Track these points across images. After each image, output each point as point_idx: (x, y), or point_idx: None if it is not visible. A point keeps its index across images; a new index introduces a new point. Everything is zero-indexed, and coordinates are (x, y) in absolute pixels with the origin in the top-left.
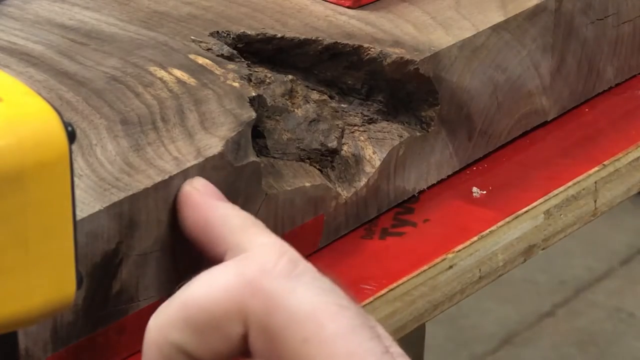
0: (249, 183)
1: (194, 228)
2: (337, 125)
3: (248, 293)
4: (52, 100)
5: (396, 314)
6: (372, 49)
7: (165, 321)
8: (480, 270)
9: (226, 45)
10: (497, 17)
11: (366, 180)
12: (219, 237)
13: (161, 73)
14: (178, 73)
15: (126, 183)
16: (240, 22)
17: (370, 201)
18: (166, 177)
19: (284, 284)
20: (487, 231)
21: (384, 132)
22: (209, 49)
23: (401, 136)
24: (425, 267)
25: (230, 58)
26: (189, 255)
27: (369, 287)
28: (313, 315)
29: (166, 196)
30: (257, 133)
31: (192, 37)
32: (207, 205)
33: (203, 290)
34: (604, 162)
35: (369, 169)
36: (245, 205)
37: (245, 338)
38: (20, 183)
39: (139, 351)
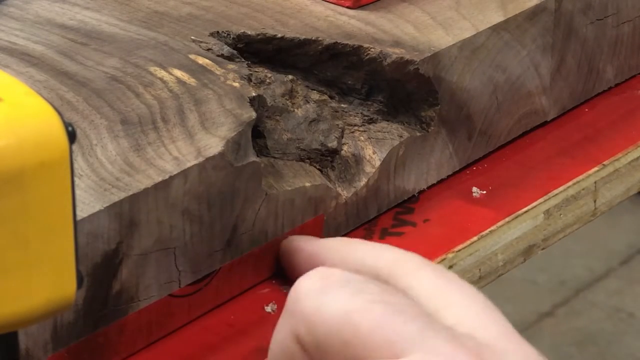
0: (249, 183)
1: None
2: (337, 125)
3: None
4: (53, 101)
5: None
6: (372, 49)
7: None
8: (480, 270)
9: (226, 45)
10: (497, 17)
11: (366, 180)
12: None
13: (161, 73)
14: (178, 73)
15: (126, 183)
16: (241, 22)
17: (370, 201)
18: (166, 177)
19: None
20: (487, 231)
21: (384, 132)
22: (209, 49)
23: (401, 136)
24: None
25: (230, 58)
26: (188, 255)
27: None
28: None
29: (166, 196)
30: (257, 133)
31: (192, 37)
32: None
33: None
34: (604, 162)
35: (369, 169)
36: (245, 205)
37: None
38: (20, 183)
39: (139, 351)
